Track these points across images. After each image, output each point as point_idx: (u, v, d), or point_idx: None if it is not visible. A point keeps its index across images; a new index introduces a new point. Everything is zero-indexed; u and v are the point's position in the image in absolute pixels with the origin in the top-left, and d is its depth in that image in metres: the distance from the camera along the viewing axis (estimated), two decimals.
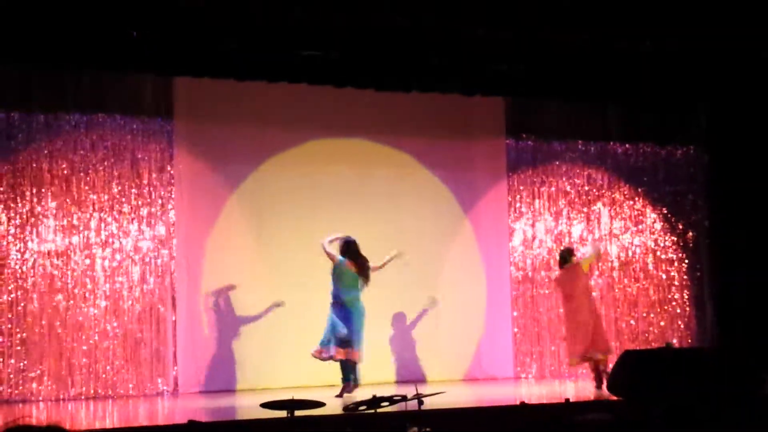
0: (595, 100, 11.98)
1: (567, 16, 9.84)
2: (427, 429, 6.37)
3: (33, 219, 10.09)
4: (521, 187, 12.05)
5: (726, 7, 9.81)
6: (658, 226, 12.59)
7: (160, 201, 10.58)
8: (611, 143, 12.47)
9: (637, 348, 11.72)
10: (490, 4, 9.62)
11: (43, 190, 10.15)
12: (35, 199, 10.12)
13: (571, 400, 8.52)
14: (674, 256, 12.61)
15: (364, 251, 10.77)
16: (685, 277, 12.61)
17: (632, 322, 12.31)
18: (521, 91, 11.45)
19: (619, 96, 11.78)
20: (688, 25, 10.02)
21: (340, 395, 9.33)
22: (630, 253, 12.41)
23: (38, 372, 9.93)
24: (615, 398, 7.89)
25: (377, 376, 10.81)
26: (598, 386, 9.87)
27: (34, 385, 9.89)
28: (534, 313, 11.92)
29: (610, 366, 8.82)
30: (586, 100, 11.96)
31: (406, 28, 9.79)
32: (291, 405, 6.52)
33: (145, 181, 10.54)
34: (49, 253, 10.11)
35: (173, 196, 10.63)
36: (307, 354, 9.73)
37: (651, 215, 12.58)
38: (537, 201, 12.09)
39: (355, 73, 10.48)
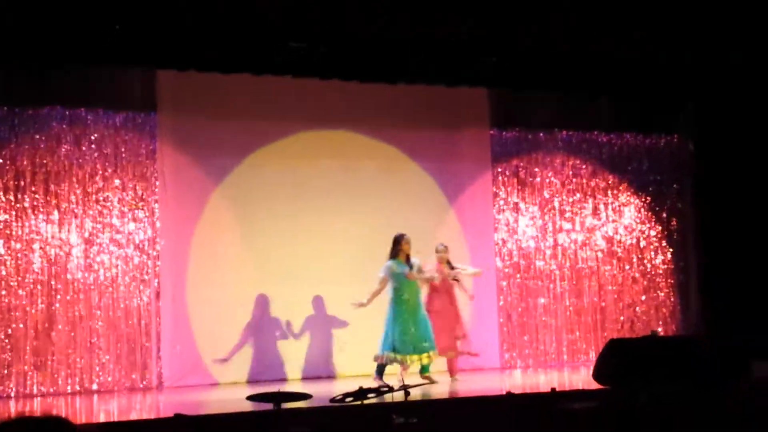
0: (579, 91, 11.97)
1: (553, 7, 9.83)
2: (414, 419, 6.38)
3: (16, 214, 10.03)
4: (506, 178, 12.06)
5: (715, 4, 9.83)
6: (643, 215, 12.63)
7: (144, 195, 10.53)
8: (595, 133, 12.50)
9: (623, 336, 11.75)
10: None
11: (26, 185, 10.09)
12: (18, 195, 10.06)
13: (557, 389, 8.54)
14: (659, 245, 12.66)
15: (349, 243, 10.83)
16: (670, 265, 12.66)
17: (617, 310, 12.36)
18: (505, 81, 11.43)
19: (603, 86, 11.78)
20: (676, 17, 10.03)
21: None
22: (615, 243, 12.46)
23: (24, 367, 9.89)
24: (600, 387, 7.90)
25: (364, 368, 10.81)
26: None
27: (19, 380, 9.85)
28: (520, 304, 11.93)
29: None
30: (569, 91, 11.96)
31: (391, 18, 9.76)
32: (277, 397, 6.52)
33: (129, 176, 10.49)
34: (32, 248, 10.06)
35: (157, 190, 10.58)
36: (292, 346, 9.69)
37: (636, 204, 12.62)
38: (522, 191, 12.11)
39: (341, 65, 10.44)
